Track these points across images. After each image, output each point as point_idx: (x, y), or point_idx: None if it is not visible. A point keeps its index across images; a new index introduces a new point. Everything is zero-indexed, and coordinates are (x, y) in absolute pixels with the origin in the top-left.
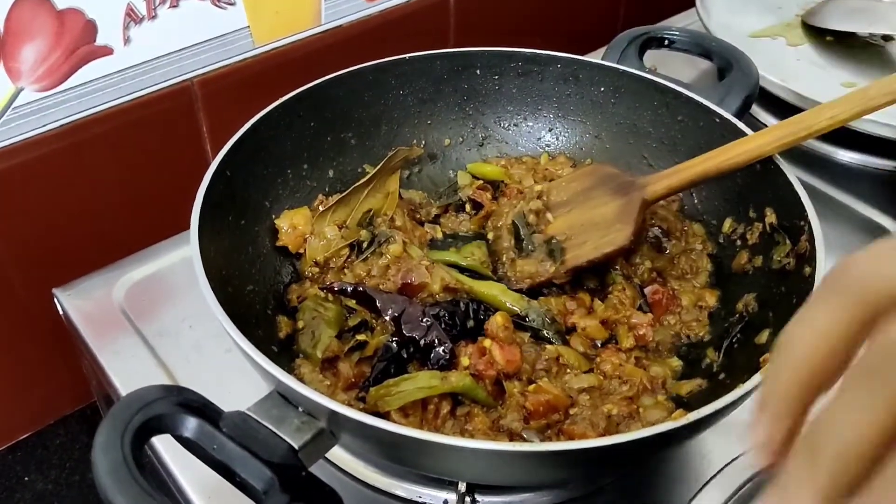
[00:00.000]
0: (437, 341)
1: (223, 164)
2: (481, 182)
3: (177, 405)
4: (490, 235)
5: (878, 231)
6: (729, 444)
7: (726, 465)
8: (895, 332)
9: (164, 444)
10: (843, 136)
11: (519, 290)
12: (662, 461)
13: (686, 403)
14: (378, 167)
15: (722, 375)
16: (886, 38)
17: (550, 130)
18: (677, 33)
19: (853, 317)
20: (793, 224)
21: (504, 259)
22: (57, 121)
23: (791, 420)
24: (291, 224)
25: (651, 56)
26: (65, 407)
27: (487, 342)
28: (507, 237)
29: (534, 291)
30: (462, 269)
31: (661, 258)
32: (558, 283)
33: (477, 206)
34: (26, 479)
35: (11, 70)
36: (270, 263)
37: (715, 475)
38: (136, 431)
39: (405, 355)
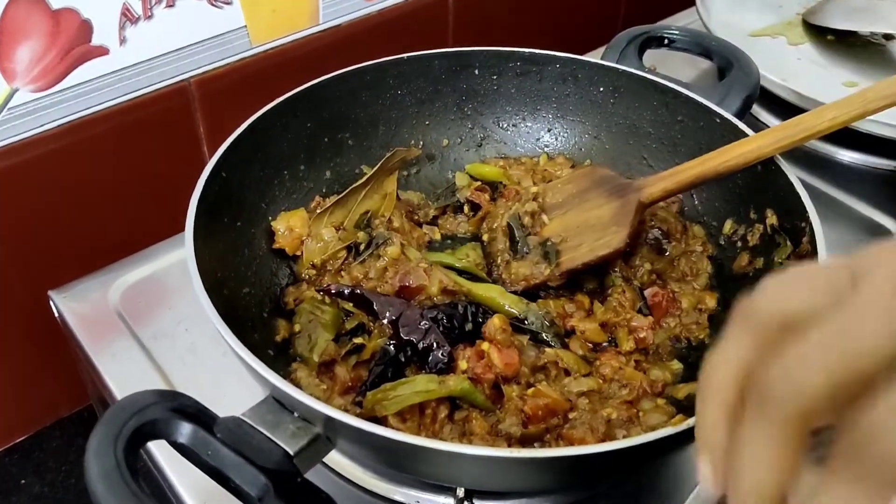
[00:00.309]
0: (435, 345)
1: (219, 165)
2: (479, 183)
3: (171, 410)
4: (485, 237)
5: (879, 231)
6: None
7: None
8: (789, 361)
9: (159, 449)
10: (845, 136)
11: (514, 293)
12: (663, 465)
13: (686, 407)
14: (376, 168)
15: None
16: (888, 37)
17: (549, 131)
18: (677, 32)
19: (756, 344)
20: (794, 225)
21: (499, 261)
22: (53, 122)
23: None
24: (288, 226)
25: (651, 55)
26: (61, 409)
27: (485, 345)
28: (502, 239)
29: (530, 294)
30: (458, 272)
31: (661, 260)
32: (553, 286)
33: (475, 207)
34: (22, 481)
35: (6, 71)
36: (267, 266)
37: None
38: (130, 437)
39: (403, 359)
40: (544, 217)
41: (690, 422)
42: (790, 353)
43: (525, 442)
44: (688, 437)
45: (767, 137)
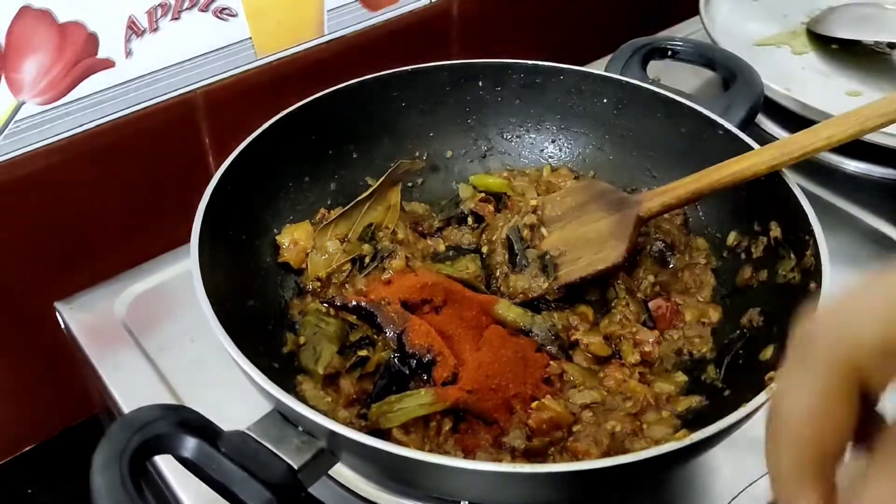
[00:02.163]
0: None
1: (224, 178)
2: (483, 194)
3: (176, 425)
4: (484, 249)
5: (884, 241)
6: (737, 459)
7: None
8: None
9: (166, 463)
10: (850, 145)
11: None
12: (668, 476)
13: (689, 421)
14: (380, 180)
15: (727, 392)
16: (892, 45)
17: (553, 142)
18: (680, 44)
19: (835, 381)
20: (798, 238)
21: (497, 274)
22: (59, 134)
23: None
24: (293, 239)
25: (654, 66)
26: (69, 419)
27: None
28: (501, 251)
29: (534, 306)
30: (461, 284)
31: (665, 272)
32: (551, 299)
33: (479, 218)
34: (29, 491)
35: (13, 83)
36: (272, 278)
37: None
38: (135, 453)
39: (407, 371)
40: (543, 230)
41: (693, 437)
42: None
43: (529, 455)
44: (691, 451)
45: (763, 155)
